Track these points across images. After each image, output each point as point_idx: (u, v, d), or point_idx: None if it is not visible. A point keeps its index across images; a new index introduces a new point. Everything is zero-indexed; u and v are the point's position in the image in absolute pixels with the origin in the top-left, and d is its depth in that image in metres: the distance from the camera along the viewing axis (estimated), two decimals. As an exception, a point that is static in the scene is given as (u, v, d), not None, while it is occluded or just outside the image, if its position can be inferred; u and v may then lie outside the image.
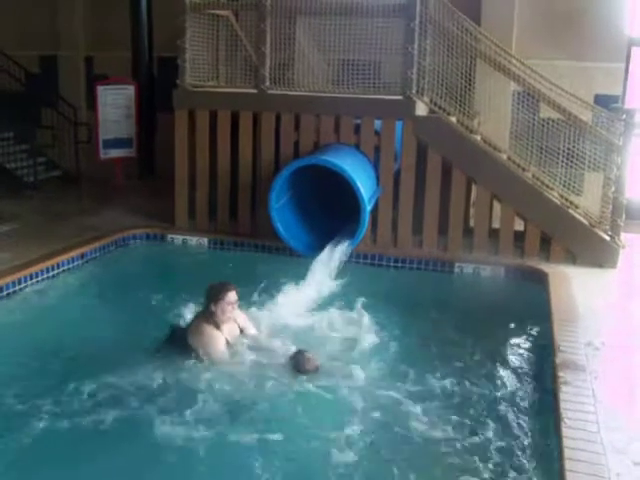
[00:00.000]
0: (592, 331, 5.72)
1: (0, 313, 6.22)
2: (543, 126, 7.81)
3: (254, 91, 8.39)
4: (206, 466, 4.13)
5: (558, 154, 7.75)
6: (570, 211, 7.75)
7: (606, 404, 4.46)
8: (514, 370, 5.43)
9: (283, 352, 5.33)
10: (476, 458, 4.21)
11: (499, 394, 5.04)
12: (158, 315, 6.09)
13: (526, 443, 4.39)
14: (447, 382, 5.15)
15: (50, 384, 4.91)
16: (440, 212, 8.06)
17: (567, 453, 3.84)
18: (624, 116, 7.58)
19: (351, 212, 7.37)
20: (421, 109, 8.01)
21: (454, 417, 4.67)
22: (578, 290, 6.80)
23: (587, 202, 7.88)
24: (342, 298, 6.58)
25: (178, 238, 8.51)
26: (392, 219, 8.19)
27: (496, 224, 8.10)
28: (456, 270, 7.71)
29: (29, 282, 6.77)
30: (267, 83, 8.26)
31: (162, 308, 6.27)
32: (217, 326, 5.33)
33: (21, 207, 9.59)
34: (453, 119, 7.92)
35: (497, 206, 8.11)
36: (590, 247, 7.69)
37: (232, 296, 5.35)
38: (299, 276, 6.92)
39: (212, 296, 5.34)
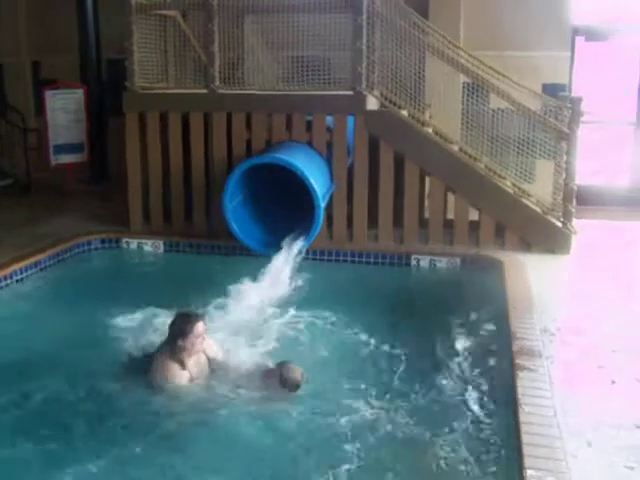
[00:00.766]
0: (548, 317, 5.81)
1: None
2: (493, 116, 7.89)
3: (204, 91, 8.33)
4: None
5: (509, 143, 7.84)
6: (523, 199, 7.85)
7: (562, 388, 4.53)
8: (473, 359, 5.46)
9: (255, 370, 5.05)
10: (435, 447, 4.25)
11: (457, 384, 5.07)
12: (109, 328, 5.91)
13: (485, 430, 4.43)
14: (406, 375, 5.19)
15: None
16: (395, 205, 8.11)
17: (525, 438, 3.88)
18: (571, 104, 7.70)
19: (307, 209, 7.36)
20: (372, 103, 8.03)
21: (412, 408, 4.72)
22: (533, 277, 6.89)
23: (539, 190, 7.99)
24: (299, 296, 6.57)
25: (133, 242, 8.40)
26: (347, 214, 8.21)
27: (451, 215, 8.17)
28: (413, 262, 7.76)
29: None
30: (217, 83, 8.20)
31: (114, 319, 6.08)
32: (182, 363, 4.91)
33: (-29, 219, 9.38)
34: (404, 112, 7.97)
35: (452, 197, 8.17)
36: (543, 234, 7.80)
37: (200, 327, 4.93)
38: (256, 276, 6.88)
39: (179, 331, 4.89)
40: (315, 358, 5.45)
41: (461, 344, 5.73)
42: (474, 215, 8.03)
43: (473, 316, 6.25)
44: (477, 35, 9.87)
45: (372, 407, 4.76)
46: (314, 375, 5.06)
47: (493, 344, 5.67)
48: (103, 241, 8.38)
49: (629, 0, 10.09)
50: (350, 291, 7.05)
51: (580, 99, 7.71)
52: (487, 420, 4.57)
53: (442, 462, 4.13)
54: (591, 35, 10.24)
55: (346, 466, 4.09)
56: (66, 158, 11.36)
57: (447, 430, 4.46)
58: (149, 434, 4.40)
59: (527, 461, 3.66)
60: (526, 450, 3.76)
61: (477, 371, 5.28)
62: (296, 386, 4.84)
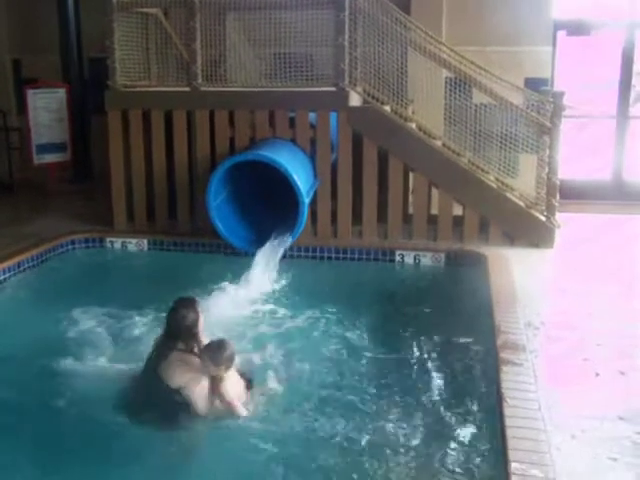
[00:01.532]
0: (531, 311, 5.83)
1: None
2: (476, 111, 7.90)
3: (187, 89, 8.30)
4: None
5: (492, 138, 7.86)
6: (507, 194, 7.88)
7: (546, 382, 4.55)
8: (458, 354, 5.48)
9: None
10: (421, 443, 4.26)
11: (441, 380, 5.08)
12: (89, 327, 5.90)
13: (471, 425, 4.45)
14: (392, 372, 5.19)
15: None
16: (379, 201, 8.11)
17: (509, 432, 3.89)
18: (553, 98, 7.72)
19: (291, 206, 7.35)
20: (355, 99, 8.03)
21: (399, 403, 4.73)
22: (517, 271, 6.90)
23: (523, 184, 8.01)
24: (284, 293, 6.59)
25: (117, 241, 8.35)
26: (331, 210, 8.20)
27: (435, 210, 8.18)
28: (397, 258, 7.77)
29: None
30: (199, 80, 8.17)
31: (95, 318, 6.08)
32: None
33: (-48, 220, 9.29)
34: (387, 108, 7.97)
35: (436, 192, 8.19)
36: (527, 228, 7.83)
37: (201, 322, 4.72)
38: (241, 273, 6.88)
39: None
40: (299, 355, 5.42)
41: (445, 339, 5.74)
42: (458, 210, 8.04)
43: (458, 311, 6.27)
44: (459, 30, 9.87)
45: (354, 402, 4.75)
46: (295, 371, 5.10)
47: (477, 338, 5.69)
48: (87, 240, 8.33)
49: (610, -6, 10.13)
50: (334, 287, 7.06)
51: (562, 93, 7.74)
52: (471, 414, 4.58)
53: (425, 454, 4.14)
54: (573, 29, 10.26)
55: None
56: (49, 157, 11.28)
57: (431, 424, 4.47)
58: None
59: (511, 454, 3.68)
60: (510, 443, 3.77)
61: (461, 365, 5.29)
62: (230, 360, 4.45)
